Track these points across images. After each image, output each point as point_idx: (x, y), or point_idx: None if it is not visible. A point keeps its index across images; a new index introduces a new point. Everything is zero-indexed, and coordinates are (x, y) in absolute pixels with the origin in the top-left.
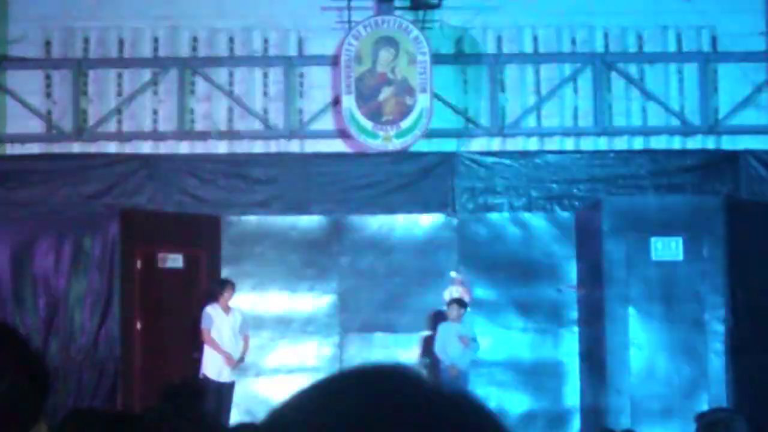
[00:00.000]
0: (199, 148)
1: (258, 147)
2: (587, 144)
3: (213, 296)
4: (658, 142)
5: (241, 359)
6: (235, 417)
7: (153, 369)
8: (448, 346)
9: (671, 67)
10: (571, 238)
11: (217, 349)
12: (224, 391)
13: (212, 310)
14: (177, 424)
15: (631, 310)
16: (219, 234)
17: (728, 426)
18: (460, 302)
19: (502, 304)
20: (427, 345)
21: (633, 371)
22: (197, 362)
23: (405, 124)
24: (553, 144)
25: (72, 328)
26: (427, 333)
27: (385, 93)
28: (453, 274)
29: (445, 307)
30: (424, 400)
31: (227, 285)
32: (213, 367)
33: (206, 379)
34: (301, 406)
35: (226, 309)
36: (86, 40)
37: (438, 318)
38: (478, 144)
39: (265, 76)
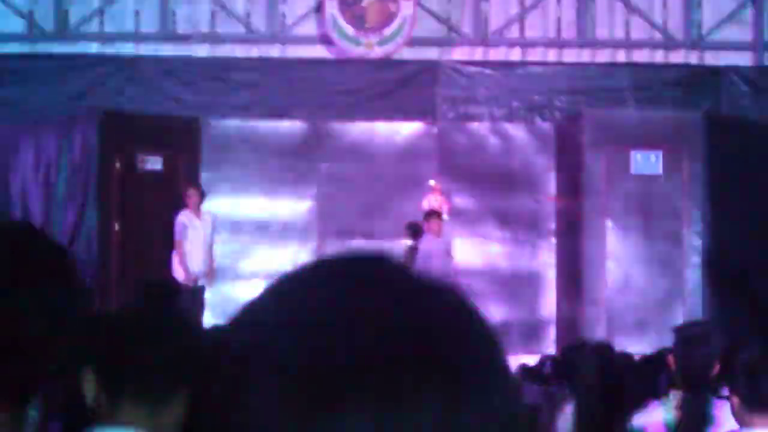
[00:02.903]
0: (181, 50)
1: (240, 51)
2: (570, 56)
3: (183, 202)
4: (641, 56)
5: (211, 270)
6: (212, 320)
7: (130, 271)
8: (432, 260)
9: None
10: (551, 150)
11: (181, 263)
12: (194, 295)
13: (185, 218)
14: (153, 322)
15: (609, 223)
16: (199, 137)
17: (706, 339)
18: (438, 215)
19: (480, 213)
20: (408, 257)
21: (609, 283)
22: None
23: (387, 31)
24: (535, 55)
25: (50, 228)
26: (406, 242)
27: None
28: (432, 182)
29: (421, 218)
30: (408, 288)
31: (189, 189)
32: (179, 274)
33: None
34: (272, 300)
35: (198, 214)
36: None
37: (413, 229)
38: (460, 53)
39: None
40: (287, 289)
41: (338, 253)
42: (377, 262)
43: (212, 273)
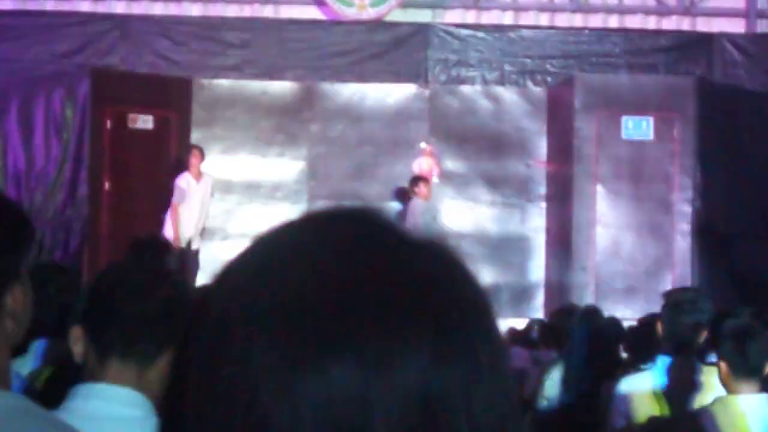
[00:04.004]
0: (173, 9)
1: (232, 11)
2: (562, 20)
3: (183, 165)
4: (633, 22)
5: (203, 228)
6: (201, 281)
7: (120, 229)
8: (420, 225)
9: None
10: (543, 114)
11: (174, 229)
12: (188, 257)
13: (184, 182)
14: (141, 279)
15: (599, 188)
16: (190, 97)
17: (694, 305)
18: (427, 179)
19: (470, 177)
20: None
21: (599, 249)
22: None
23: None
24: (528, 19)
25: (40, 185)
26: (393, 204)
27: None
28: (423, 145)
29: (409, 181)
30: (395, 242)
31: (192, 151)
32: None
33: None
34: (258, 254)
35: (198, 176)
36: None
37: (402, 193)
38: (452, 16)
39: None
40: (274, 244)
41: (326, 209)
42: (365, 216)
43: (201, 233)
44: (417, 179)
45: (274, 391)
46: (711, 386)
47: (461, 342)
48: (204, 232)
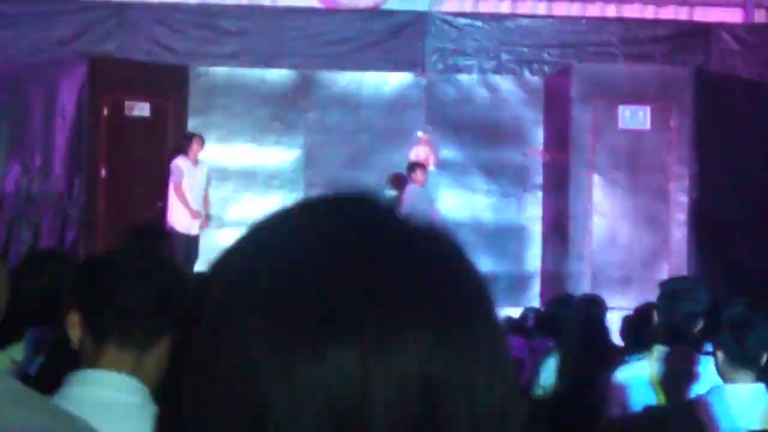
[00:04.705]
0: None
1: None
2: (560, 9)
3: (182, 150)
4: (631, 11)
5: (207, 216)
6: (199, 267)
7: (116, 217)
8: (416, 212)
9: None
10: (540, 103)
11: (185, 204)
12: (191, 244)
13: (182, 163)
14: (138, 265)
15: (595, 178)
16: (187, 84)
17: (690, 295)
18: (423, 166)
19: (467, 165)
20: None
21: (595, 238)
22: (162, 212)
23: None
24: (525, 8)
25: (36, 171)
26: (389, 192)
27: None
28: (420, 134)
29: (406, 169)
30: (394, 227)
31: (195, 137)
32: (181, 221)
33: (174, 231)
34: (256, 239)
35: (195, 162)
36: None
37: (397, 180)
38: (450, 4)
39: None
40: (271, 230)
41: (323, 194)
42: (362, 201)
43: (208, 219)
44: (414, 165)
45: (272, 377)
46: (707, 375)
47: (460, 327)
48: (209, 218)
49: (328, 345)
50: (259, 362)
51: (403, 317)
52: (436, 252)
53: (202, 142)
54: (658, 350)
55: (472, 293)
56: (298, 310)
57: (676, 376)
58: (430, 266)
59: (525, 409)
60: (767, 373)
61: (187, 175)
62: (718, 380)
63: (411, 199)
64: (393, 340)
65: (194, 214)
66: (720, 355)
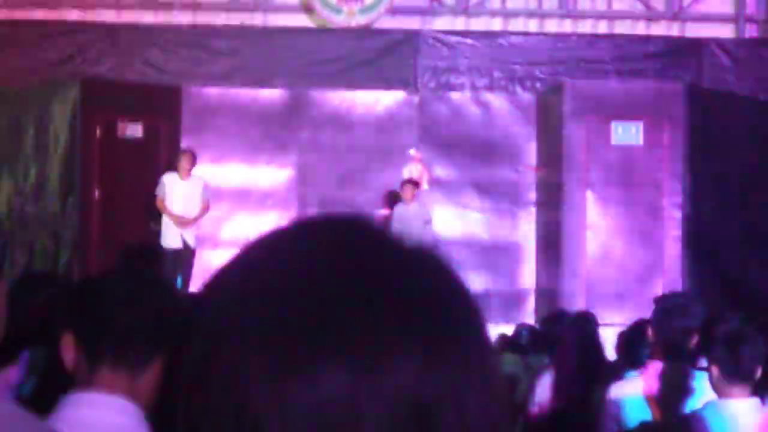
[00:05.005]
0: (162, 18)
1: (221, 19)
2: (551, 26)
3: (173, 166)
4: (622, 27)
5: (195, 219)
6: (194, 284)
7: (110, 238)
8: (405, 228)
9: None
10: (532, 120)
11: (165, 212)
12: (181, 256)
13: (167, 178)
14: (132, 286)
15: (589, 194)
16: (180, 105)
17: (685, 310)
18: (413, 182)
19: (460, 183)
20: (384, 225)
21: (589, 254)
22: (156, 234)
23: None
24: (517, 25)
25: (30, 194)
26: (382, 211)
27: None
28: (412, 152)
29: (399, 188)
30: (384, 248)
31: (184, 153)
32: (170, 236)
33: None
34: (247, 262)
35: (185, 177)
36: None
37: (392, 198)
38: (441, 23)
39: None
40: (263, 251)
41: (315, 216)
42: (353, 223)
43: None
44: (403, 183)
45: (264, 398)
46: (702, 391)
47: (451, 347)
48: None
49: (319, 366)
50: (252, 383)
51: (393, 339)
52: (426, 272)
53: (191, 157)
54: (653, 366)
55: (462, 313)
56: (289, 331)
57: (671, 391)
58: (420, 286)
59: (517, 429)
60: (762, 387)
61: (169, 189)
62: (713, 395)
63: (399, 217)
64: (384, 360)
65: (178, 221)
66: (714, 370)
